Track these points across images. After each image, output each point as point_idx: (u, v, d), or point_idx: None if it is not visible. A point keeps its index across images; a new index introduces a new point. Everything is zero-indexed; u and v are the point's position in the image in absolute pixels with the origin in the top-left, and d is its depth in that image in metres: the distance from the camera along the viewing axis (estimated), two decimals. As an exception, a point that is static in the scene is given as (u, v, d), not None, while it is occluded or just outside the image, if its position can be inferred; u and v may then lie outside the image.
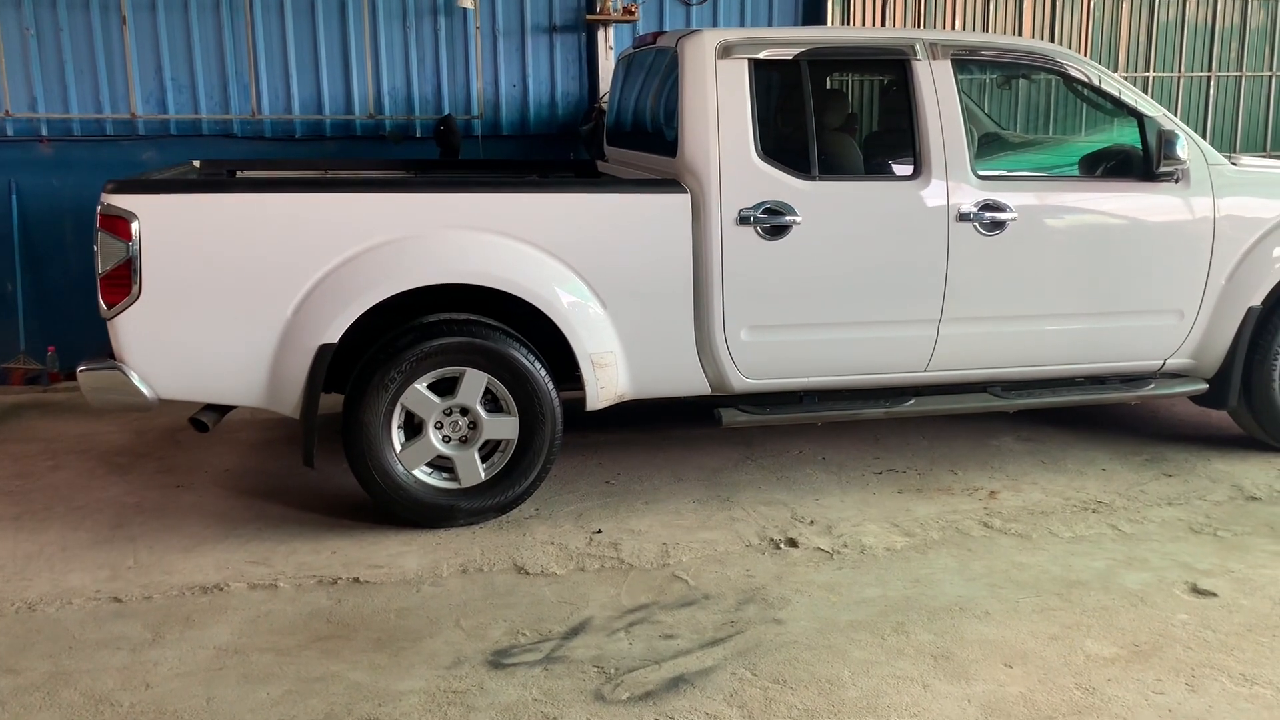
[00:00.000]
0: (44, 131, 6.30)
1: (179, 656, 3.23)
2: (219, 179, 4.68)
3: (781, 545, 4.00)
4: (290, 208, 3.90)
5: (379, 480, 4.05)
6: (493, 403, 4.15)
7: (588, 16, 6.76)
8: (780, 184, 4.25)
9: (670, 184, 4.25)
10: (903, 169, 4.44)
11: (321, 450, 4.21)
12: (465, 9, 6.58)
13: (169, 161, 6.00)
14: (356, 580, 3.74)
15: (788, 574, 3.76)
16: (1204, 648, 3.24)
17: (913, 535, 4.08)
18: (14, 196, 6.32)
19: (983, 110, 5.87)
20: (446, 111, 6.68)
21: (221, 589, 3.67)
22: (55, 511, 4.37)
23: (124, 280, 3.80)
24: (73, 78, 6.26)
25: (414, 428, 4.11)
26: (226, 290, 3.86)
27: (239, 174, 5.40)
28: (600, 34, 6.82)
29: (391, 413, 4.04)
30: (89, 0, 6.18)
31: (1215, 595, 3.58)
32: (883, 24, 7.23)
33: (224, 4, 6.34)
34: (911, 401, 4.56)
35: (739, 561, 3.87)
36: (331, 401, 4.16)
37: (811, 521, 4.22)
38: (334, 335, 3.91)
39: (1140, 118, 4.58)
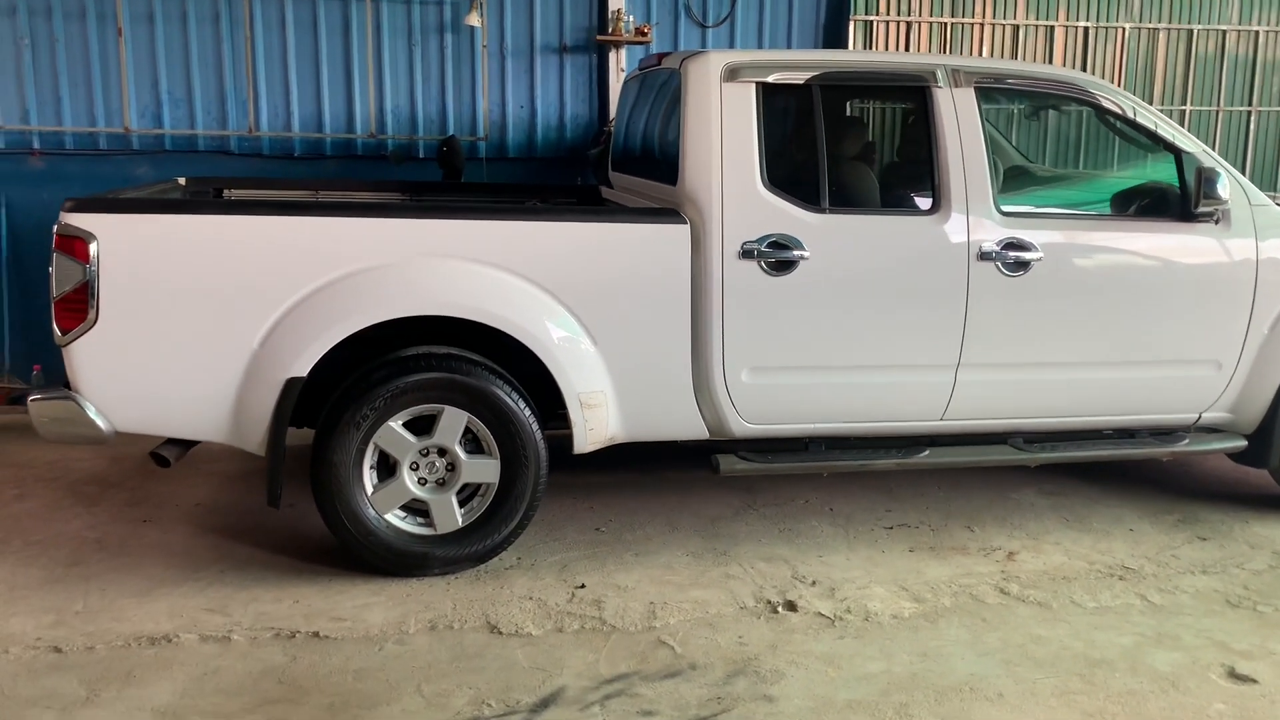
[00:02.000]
0: (36, 144, 6.12)
1: None
2: (181, 199, 4.45)
3: (779, 609, 3.69)
4: (258, 231, 3.65)
5: (348, 525, 3.77)
6: (473, 443, 3.87)
7: (599, 37, 6.52)
8: (787, 216, 3.97)
9: (669, 214, 3.97)
10: (921, 203, 4.15)
11: (298, 486, 3.95)
12: (473, 27, 6.35)
13: (163, 177, 5.79)
14: (316, 635, 3.45)
15: (784, 643, 3.45)
16: (1244, 745, 2.91)
17: (923, 601, 3.76)
18: (3, 210, 6.14)
19: (1009, 142, 5.57)
20: (450, 132, 6.45)
21: (171, 640, 3.40)
22: (11, 546, 4.13)
23: (80, 304, 3.56)
24: (67, 90, 6.08)
25: (388, 469, 3.83)
26: (189, 318, 3.61)
27: (226, 193, 5.19)
28: (612, 55, 6.58)
29: (363, 452, 3.77)
30: (85, 11, 6.00)
31: (1255, 682, 3.24)
32: (907, 50, 6.96)
33: (224, 17, 6.14)
34: (926, 452, 4.24)
35: (732, 626, 3.55)
36: (305, 435, 3.90)
37: (813, 582, 3.90)
38: (303, 369, 3.65)
39: (1178, 153, 4.27)
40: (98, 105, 6.13)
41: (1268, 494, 4.80)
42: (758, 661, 3.32)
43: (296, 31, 6.22)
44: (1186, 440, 4.46)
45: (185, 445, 3.93)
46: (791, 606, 3.70)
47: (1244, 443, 4.49)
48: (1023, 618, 3.64)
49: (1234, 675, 3.28)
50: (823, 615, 3.64)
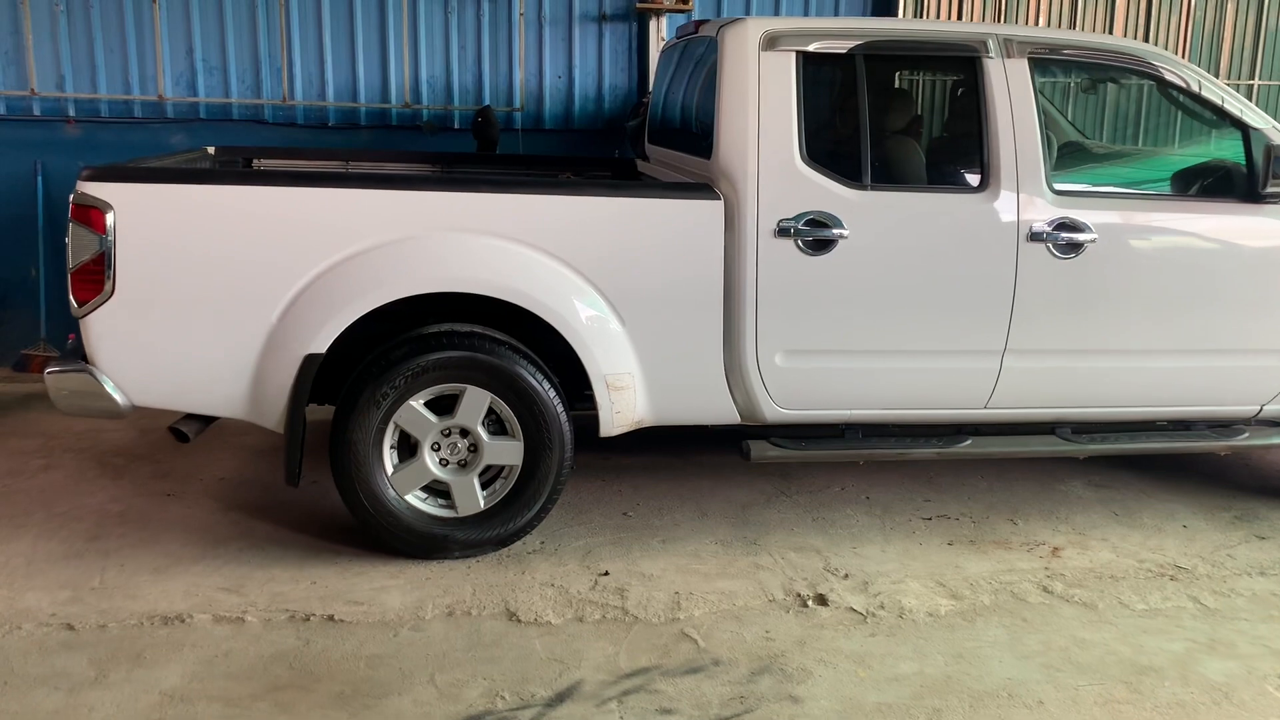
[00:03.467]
0: (71, 112, 6.09)
1: (118, 702, 2.90)
2: (198, 168, 4.35)
3: (809, 602, 3.54)
4: (278, 203, 3.55)
5: (367, 505, 3.68)
6: (496, 424, 3.75)
7: (639, 5, 6.34)
8: (827, 193, 3.79)
9: (703, 189, 3.81)
10: (969, 180, 3.94)
11: (321, 462, 3.86)
12: (510, -6, 6.21)
13: (197, 146, 5.72)
14: (331, 618, 3.37)
15: (813, 639, 3.30)
16: (1302, 765, 2.72)
17: (960, 598, 3.59)
18: (40, 178, 6.11)
19: (1064, 116, 5.31)
20: (486, 102, 6.32)
21: (184, 620, 3.34)
22: (34, 518, 4.09)
23: (97, 276, 3.48)
24: (102, 57, 6.03)
25: (408, 449, 3.73)
26: (207, 291, 3.52)
27: (255, 163, 5.10)
28: (652, 23, 6.40)
29: (384, 431, 3.67)
30: (120, -23, 5.95)
31: (1316, 696, 3.05)
32: (959, 18, 6.69)
33: (258, -16, 6.06)
34: (968, 442, 4.05)
35: (759, 620, 3.42)
36: (328, 411, 3.81)
37: (846, 575, 3.75)
38: (321, 345, 3.55)
39: (1246, 130, 4.02)
40: (133, 73, 6.07)
41: (1332, 491, 4.56)
42: (784, 659, 3.18)
43: (331, -1, 6.12)
44: (1247, 434, 4.22)
45: (204, 421, 3.85)
46: (822, 600, 3.55)
47: (1308, 437, 4.25)
48: (1066, 619, 3.46)
49: (1292, 687, 3.09)
50: (854, 611, 3.49)
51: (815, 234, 3.76)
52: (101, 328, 3.52)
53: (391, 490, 3.71)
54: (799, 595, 3.59)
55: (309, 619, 3.36)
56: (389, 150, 5.98)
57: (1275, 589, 3.72)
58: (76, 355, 3.62)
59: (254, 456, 4.83)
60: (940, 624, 3.42)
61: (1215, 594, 3.67)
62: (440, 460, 3.75)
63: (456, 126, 6.37)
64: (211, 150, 5.04)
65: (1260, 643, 3.34)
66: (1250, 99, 7.07)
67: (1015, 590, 3.65)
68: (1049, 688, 3.05)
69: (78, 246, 3.48)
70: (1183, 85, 4.08)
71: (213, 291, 3.53)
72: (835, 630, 3.36)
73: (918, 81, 6.13)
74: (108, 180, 3.48)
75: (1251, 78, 7.14)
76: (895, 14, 6.56)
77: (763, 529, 4.13)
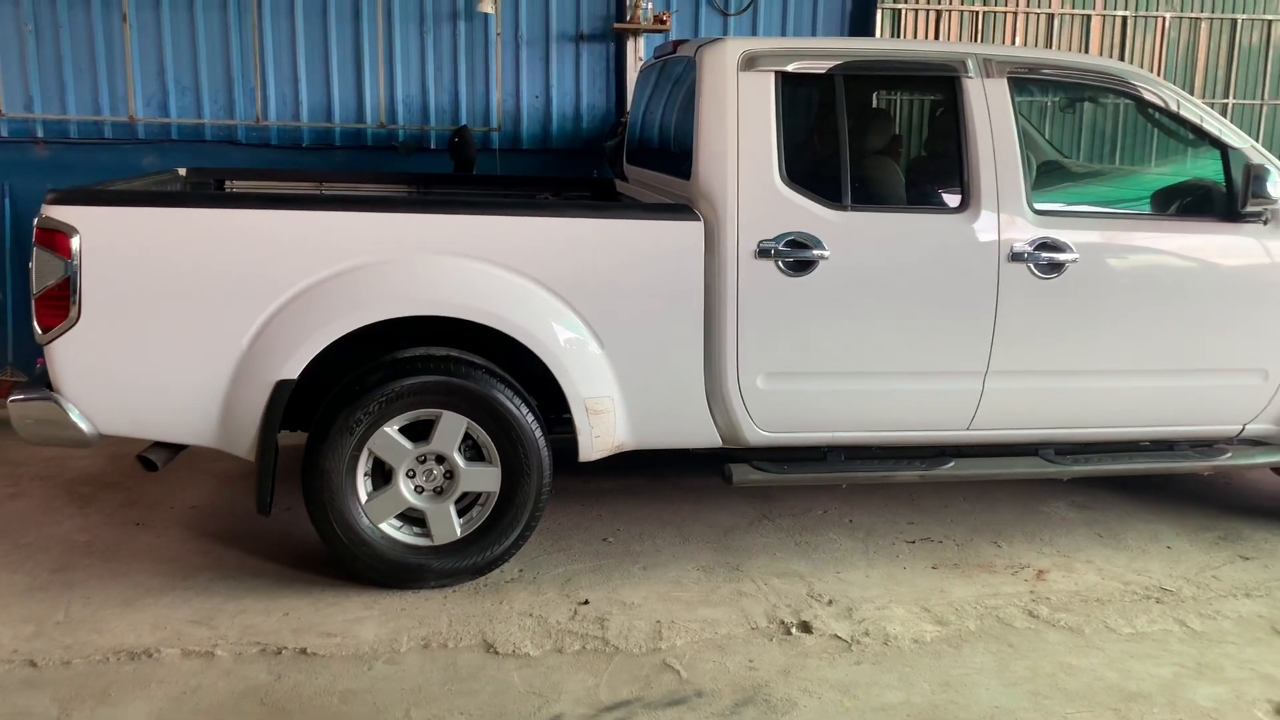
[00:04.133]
0: (40, 133, 5.99)
1: (80, 742, 2.80)
2: (166, 191, 4.27)
3: (793, 630, 3.48)
4: (250, 225, 3.47)
5: (341, 534, 3.60)
6: (473, 450, 3.68)
7: (616, 25, 6.31)
8: (807, 213, 3.75)
9: (682, 210, 3.76)
10: (949, 200, 3.92)
11: (295, 489, 3.77)
12: (487, 14, 6.16)
13: (168, 168, 5.64)
14: (303, 651, 3.28)
15: (797, 668, 3.24)
16: (1294, 794, 2.68)
17: (946, 624, 3.54)
18: (7, 200, 6.02)
19: (1043, 136, 5.31)
20: (463, 122, 6.26)
21: (151, 655, 3.24)
22: (-3, 549, 3.99)
23: (62, 301, 3.40)
24: (71, 77, 5.94)
25: (383, 476, 3.66)
26: (175, 316, 3.44)
27: (228, 185, 5.03)
28: (630, 43, 6.37)
29: (357, 459, 3.59)
30: (90, -4, 5.86)
31: (1306, 721, 3.01)
32: (936, 39, 6.70)
33: (231, 3, 5.98)
34: (951, 464, 4.01)
35: (742, 649, 3.35)
36: (300, 438, 3.73)
37: (830, 601, 3.69)
38: (293, 371, 3.47)
39: (1224, 149, 4.01)
40: (103, 93, 5.98)
41: (1315, 510, 4.54)
42: (768, 689, 3.12)
43: (305, 18, 6.05)
44: (1229, 453, 4.20)
45: (174, 449, 3.76)
46: (806, 628, 3.49)
47: (1291, 456, 4.23)
48: (1053, 644, 3.42)
49: (1282, 712, 3.05)
50: (839, 638, 3.43)
51: (796, 255, 3.72)
52: (66, 355, 3.43)
53: (365, 519, 3.63)
54: (783, 623, 3.53)
55: (281, 652, 3.27)
56: (364, 171, 5.92)
57: (1261, 610, 3.69)
58: (42, 382, 3.53)
59: (225, 485, 4.73)
60: (926, 651, 3.36)
61: (1201, 616, 3.64)
62: (415, 487, 3.67)
63: (433, 147, 6.31)
64: (183, 172, 4.96)
65: (1248, 666, 3.30)
66: (1225, 117, 7.12)
67: (1001, 615, 3.61)
68: (1036, 715, 3.00)
69: (42, 271, 3.39)
70: (1161, 104, 4.08)
71: (182, 317, 3.45)
72: (820, 659, 3.30)
73: (897, 101, 6.13)
74: (73, 203, 3.40)
75: (1226, 97, 7.18)
76: (873, 34, 6.57)
77: (745, 554, 4.07)
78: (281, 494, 3.80)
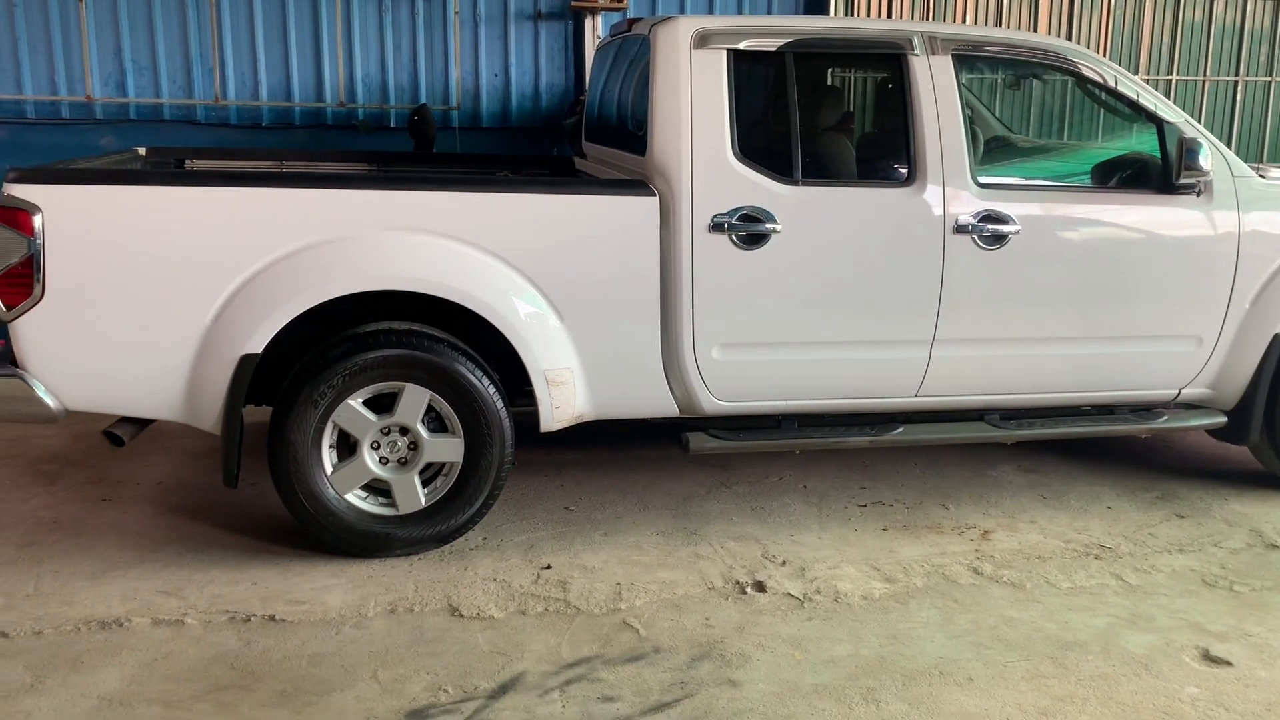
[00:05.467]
0: (-5, 113, 5.97)
1: (55, 707, 2.87)
2: (128, 169, 4.30)
3: (748, 589, 3.61)
4: (211, 203, 3.52)
5: (307, 505, 3.68)
6: (436, 422, 3.77)
7: (574, 3, 6.38)
8: (759, 188, 3.86)
9: (638, 185, 3.86)
10: (896, 174, 4.04)
11: (261, 463, 3.84)
12: (445, -8, 6.21)
13: (127, 147, 5.64)
14: (272, 618, 3.37)
15: (751, 624, 3.37)
16: (1215, 730, 2.85)
17: (894, 581, 3.69)
18: (-37, 181, 5.97)
19: (991, 112, 5.45)
20: (423, 101, 6.31)
21: (122, 624, 3.31)
22: (-36, 527, 4.03)
23: (25, 279, 3.43)
24: (27, 57, 5.93)
25: (348, 448, 3.74)
26: (139, 293, 3.49)
27: (188, 164, 5.05)
28: (588, 21, 6.45)
29: (322, 431, 3.67)
30: (44, -25, 5.84)
31: (1230, 664, 3.18)
32: (890, 16, 6.82)
33: (187, -18, 5.98)
34: (900, 429, 4.16)
35: (699, 608, 3.48)
36: (264, 413, 3.80)
37: (784, 561, 3.83)
38: (257, 345, 3.54)
39: (1160, 124, 4.17)
40: (59, 73, 5.98)
41: (1247, 470, 4.73)
42: (723, 644, 3.25)
43: (263, -3, 6.07)
44: (1166, 416, 4.38)
45: (140, 424, 3.82)
46: (760, 587, 3.62)
47: (1224, 419, 4.42)
48: (995, 599, 3.58)
49: (1208, 658, 3.22)
50: (792, 596, 3.57)
51: (749, 228, 3.83)
52: (31, 332, 3.47)
53: (331, 490, 3.71)
54: (738, 583, 3.66)
55: (250, 619, 3.36)
56: (324, 150, 5.96)
57: (1193, 565, 3.87)
58: (7, 360, 3.57)
59: (191, 459, 4.78)
60: (875, 607, 3.51)
61: (1137, 571, 3.81)
62: (380, 459, 3.75)
63: (393, 125, 6.36)
64: (142, 151, 4.97)
65: (1178, 616, 3.48)
66: (1169, 94, 7.32)
67: (947, 572, 3.76)
68: (978, 665, 3.16)
69: (5, 249, 3.42)
70: (1100, 81, 4.22)
71: (146, 293, 3.50)
72: (773, 616, 3.43)
73: (850, 78, 6.25)
74: (35, 182, 3.43)
75: (1170, 73, 7.38)
76: (827, 11, 6.68)
77: (703, 519, 4.20)
78: (247, 468, 3.87)
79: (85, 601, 3.46)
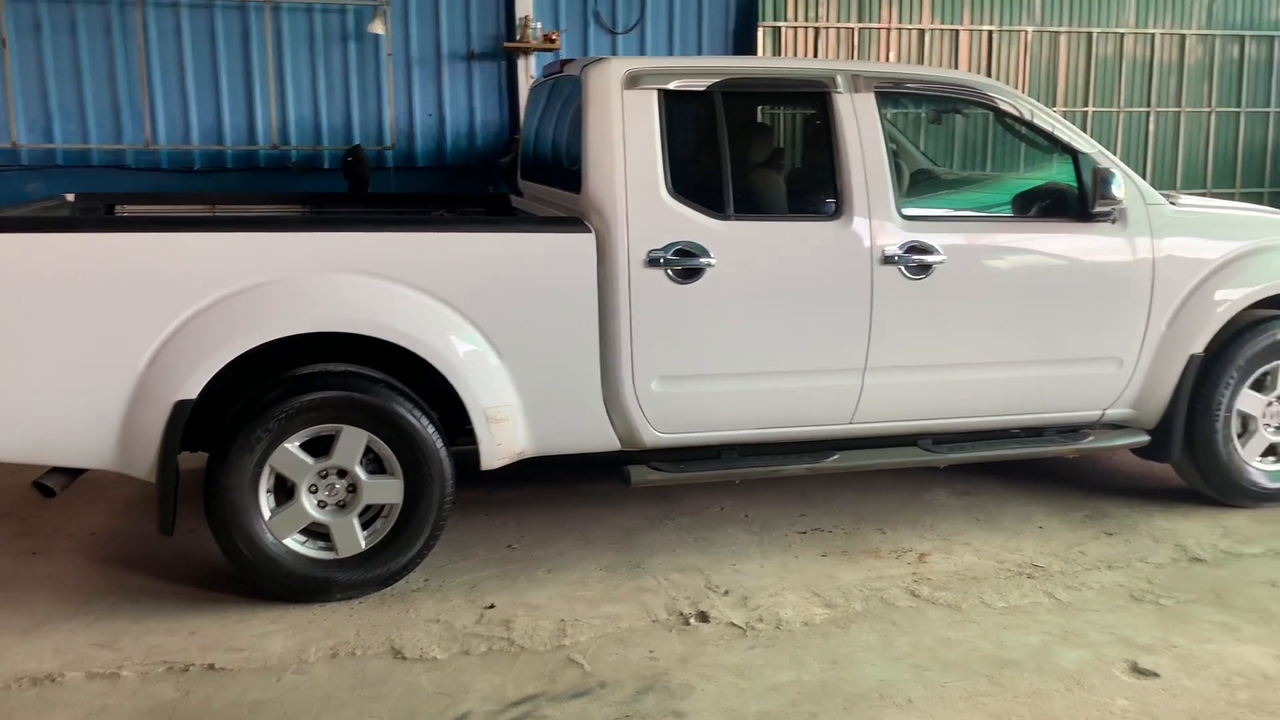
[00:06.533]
0: (-83, 161, 5.86)
1: (-15, 768, 2.80)
2: (58, 217, 4.26)
3: (691, 620, 3.64)
4: (143, 249, 3.50)
5: (245, 551, 3.64)
6: (374, 463, 3.76)
7: (507, 44, 6.46)
8: (693, 223, 3.93)
9: (573, 223, 3.91)
10: (825, 208, 4.14)
11: (197, 510, 3.80)
12: (377, 35, 6.24)
13: (55, 193, 5.57)
14: (211, 667, 3.32)
15: (695, 655, 3.40)
16: (1145, 741, 2.94)
17: (834, 606, 3.75)
18: (-117, 230, 5.83)
19: (915, 146, 5.62)
20: (356, 142, 6.33)
21: (55, 679, 3.24)
22: (-114, 585, 3.91)
23: (-50, 330, 3.38)
24: (-51, 104, 5.84)
25: (285, 492, 3.71)
26: (69, 340, 3.45)
27: (117, 209, 5.00)
28: (521, 62, 6.53)
29: (259, 475, 3.64)
30: (-34, 22, 5.78)
31: (1157, 676, 3.28)
32: (815, 55, 7.00)
33: (115, 26, 5.96)
34: (836, 456, 4.23)
35: (643, 641, 3.50)
36: (202, 458, 3.75)
37: (726, 591, 3.87)
38: (192, 390, 3.51)
39: (1074, 154, 4.33)
40: (-17, 119, 5.89)
41: (1171, 487, 4.89)
42: (668, 676, 3.27)
43: (193, 41, 6.06)
44: (1092, 437, 4.52)
45: (71, 474, 3.76)
46: (704, 617, 3.66)
47: (1146, 438, 4.57)
48: (933, 620, 3.65)
49: (1137, 670, 3.32)
50: (735, 625, 3.61)
51: (684, 263, 3.90)
52: (-43, 382, 3.41)
53: (269, 535, 3.67)
54: (682, 614, 3.69)
55: (188, 669, 3.30)
56: (257, 192, 5.94)
57: (1122, 580, 3.99)
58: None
59: (124, 509, 4.70)
60: (816, 632, 3.56)
61: (1069, 588, 3.91)
62: (319, 502, 3.73)
63: (326, 166, 6.37)
64: (71, 197, 4.92)
65: (1109, 631, 3.58)
66: (1085, 125, 7.60)
67: (885, 596, 3.83)
68: (918, 686, 3.22)
69: (-70, 299, 3.37)
70: (1017, 114, 4.38)
71: (77, 341, 3.46)
72: (717, 645, 3.47)
73: (779, 116, 6.39)
74: (-39, 230, 3.39)
75: (1085, 105, 7.65)
76: (755, 51, 6.84)
77: (646, 552, 4.23)
78: (182, 516, 3.81)
79: (16, 657, 3.37)
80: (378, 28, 6.14)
